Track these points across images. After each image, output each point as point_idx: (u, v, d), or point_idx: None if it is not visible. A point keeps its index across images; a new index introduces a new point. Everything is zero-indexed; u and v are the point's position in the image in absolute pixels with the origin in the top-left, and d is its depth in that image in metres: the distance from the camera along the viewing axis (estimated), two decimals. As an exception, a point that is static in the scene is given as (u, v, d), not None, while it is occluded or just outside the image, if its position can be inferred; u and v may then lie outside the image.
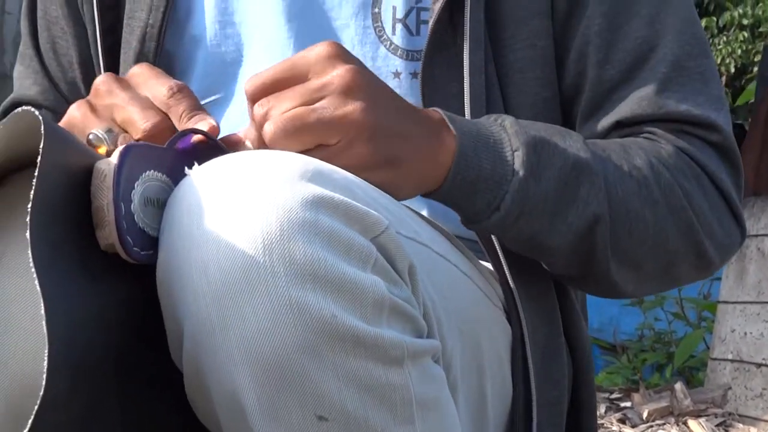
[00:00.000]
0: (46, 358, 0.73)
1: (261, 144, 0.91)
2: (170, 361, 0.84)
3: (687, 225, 1.09)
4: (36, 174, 0.75)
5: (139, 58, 1.16)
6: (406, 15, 1.12)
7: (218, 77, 1.16)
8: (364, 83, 0.91)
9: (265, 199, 0.79)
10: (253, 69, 1.05)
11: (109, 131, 0.96)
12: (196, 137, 0.91)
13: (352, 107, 0.90)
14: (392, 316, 0.82)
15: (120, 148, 0.82)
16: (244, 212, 0.79)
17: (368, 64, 1.06)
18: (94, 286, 0.81)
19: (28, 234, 0.73)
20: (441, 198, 1.00)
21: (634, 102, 1.12)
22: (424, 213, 1.10)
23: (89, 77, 1.22)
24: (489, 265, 1.11)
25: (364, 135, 0.91)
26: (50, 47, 1.29)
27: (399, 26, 1.12)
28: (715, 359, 3.65)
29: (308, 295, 0.77)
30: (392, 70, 1.12)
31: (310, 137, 0.89)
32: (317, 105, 0.89)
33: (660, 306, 4.73)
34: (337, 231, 0.79)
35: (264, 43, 1.15)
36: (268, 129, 0.89)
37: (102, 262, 0.82)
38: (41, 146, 0.76)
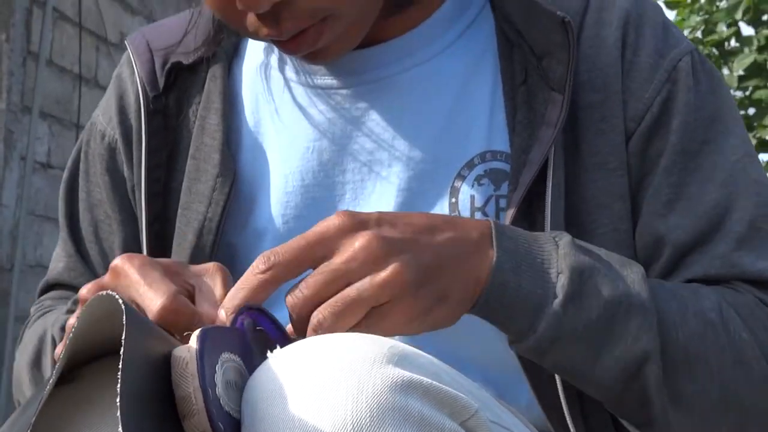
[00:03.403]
0: None
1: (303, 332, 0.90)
2: None
3: (763, 378, 1.04)
4: (121, 366, 0.73)
5: (195, 251, 1.15)
6: (485, 203, 1.11)
7: None
8: (388, 245, 0.90)
9: (353, 383, 0.76)
10: None
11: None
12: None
13: (388, 271, 0.88)
14: None
15: (197, 332, 0.81)
16: (331, 396, 0.76)
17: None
18: None
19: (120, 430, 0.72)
20: (480, 314, 0.97)
21: (707, 262, 1.09)
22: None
23: None
24: None
25: (408, 288, 0.89)
26: (92, 231, 1.27)
27: (478, 215, 1.11)
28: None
29: None
30: None
31: (360, 310, 0.88)
32: (355, 281, 0.88)
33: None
34: (427, 416, 0.77)
35: None
36: (318, 320, 0.88)
37: None
38: (124, 336, 0.74)
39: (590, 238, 1.08)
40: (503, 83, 1.12)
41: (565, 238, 0.99)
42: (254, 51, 1.22)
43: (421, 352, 0.83)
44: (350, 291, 0.87)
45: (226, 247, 1.16)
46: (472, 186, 1.11)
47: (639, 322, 0.98)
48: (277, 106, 1.18)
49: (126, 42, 1.25)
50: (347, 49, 1.11)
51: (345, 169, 1.14)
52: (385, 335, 0.84)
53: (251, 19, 1.04)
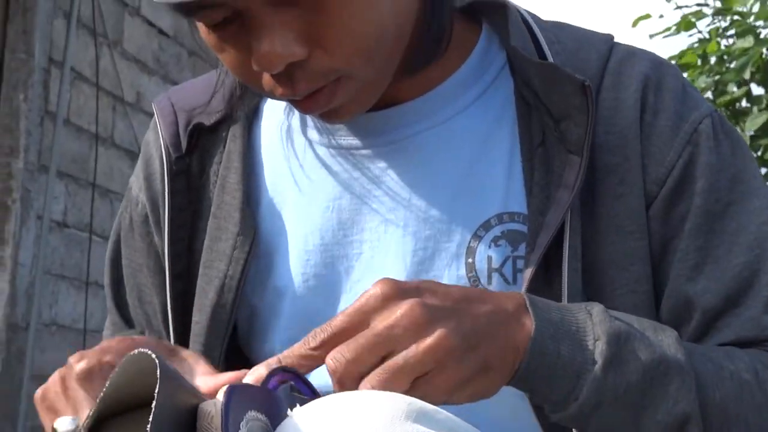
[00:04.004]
0: None
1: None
2: None
3: None
4: (151, 419, 0.76)
5: (216, 309, 1.16)
6: (502, 264, 1.11)
7: (301, 330, 1.13)
8: (430, 313, 0.90)
9: None
10: None
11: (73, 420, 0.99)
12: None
13: (432, 338, 0.89)
14: None
15: (225, 387, 0.82)
16: None
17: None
18: None
19: None
20: (520, 384, 0.97)
21: (738, 326, 1.09)
22: None
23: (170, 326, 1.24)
24: None
25: (452, 355, 0.90)
26: (136, 295, 1.29)
27: (495, 275, 1.11)
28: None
29: None
30: None
31: (406, 379, 0.88)
32: (397, 348, 0.89)
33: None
34: None
35: (353, 294, 1.14)
36: (365, 389, 0.88)
37: None
38: (157, 390, 0.77)
39: (607, 300, 1.08)
40: (521, 145, 1.13)
41: (597, 307, 0.99)
42: (274, 111, 1.23)
43: (439, 409, 0.84)
44: (397, 359, 0.88)
45: (246, 305, 1.18)
46: (489, 246, 1.12)
47: (678, 384, 0.99)
48: (297, 165, 1.19)
49: (153, 104, 1.27)
50: (362, 109, 1.12)
51: (363, 228, 1.15)
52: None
53: (267, 78, 1.05)
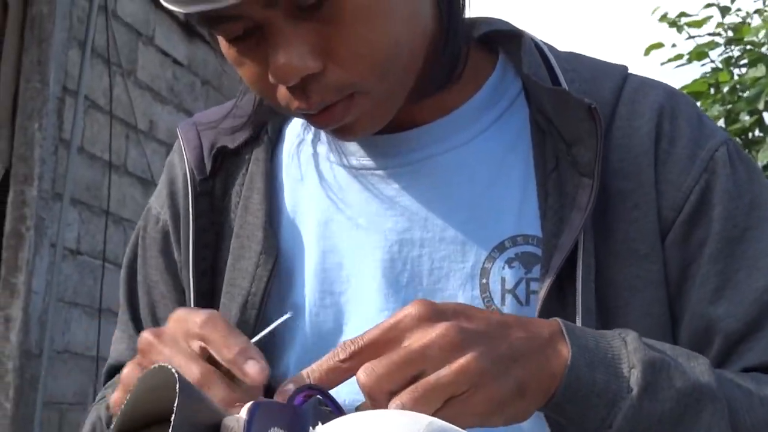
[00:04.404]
0: None
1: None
2: None
3: None
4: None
5: (239, 325, 1.17)
6: (516, 285, 1.12)
7: (315, 347, 1.17)
8: (465, 336, 0.91)
9: None
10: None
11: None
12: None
13: (466, 359, 0.90)
14: None
15: (248, 404, 0.83)
16: None
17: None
18: None
19: None
20: (554, 411, 0.98)
21: (760, 350, 1.10)
22: None
23: None
24: None
25: (486, 378, 0.90)
26: (149, 311, 1.30)
27: (508, 297, 1.12)
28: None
29: None
30: None
31: (439, 397, 0.89)
32: (430, 368, 0.89)
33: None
34: None
35: (366, 314, 1.16)
36: (396, 405, 0.88)
37: None
38: (176, 404, 0.77)
39: (622, 323, 1.09)
40: (535, 169, 1.14)
41: (631, 335, 1.00)
42: (294, 135, 1.26)
43: (459, 429, 0.84)
44: (429, 378, 0.88)
45: (268, 321, 1.18)
46: (503, 268, 1.13)
47: (711, 411, 0.99)
48: (315, 186, 1.21)
49: (178, 129, 1.29)
50: (376, 127, 1.13)
51: (377, 247, 1.16)
52: (464, 428, 0.85)
53: (282, 92, 1.07)
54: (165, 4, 1.05)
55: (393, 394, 0.88)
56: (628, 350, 0.98)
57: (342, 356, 0.91)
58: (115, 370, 1.34)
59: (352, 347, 0.91)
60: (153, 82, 5.46)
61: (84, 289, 4.83)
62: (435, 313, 0.92)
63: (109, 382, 1.34)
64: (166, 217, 1.29)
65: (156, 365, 0.81)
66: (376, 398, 0.89)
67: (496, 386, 0.90)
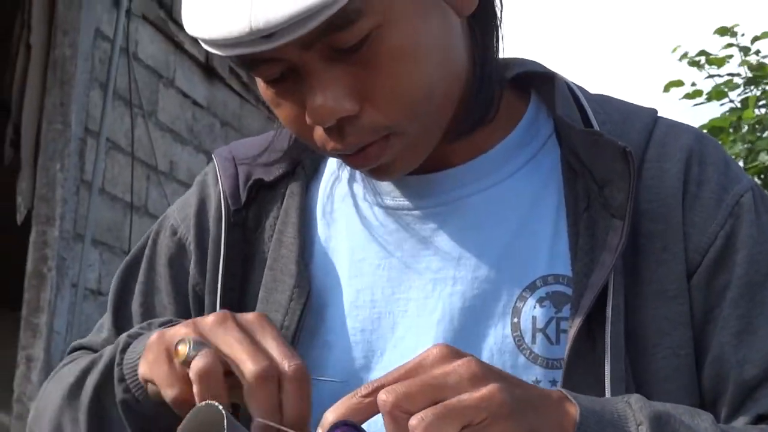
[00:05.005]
0: None
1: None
2: None
3: None
4: None
5: None
6: (546, 325, 1.13)
7: (344, 385, 1.16)
8: (486, 369, 0.93)
9: None
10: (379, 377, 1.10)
11: (200, 343, 0.98)
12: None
13: (487, 388, 0.91)
14: None
15: None
16: None
17: (507, 372, 1.08)
18: None
19: None
20: None
21: None
22: None
23: None
24: None
25: (505, 410, 0.91)
26: (141, 313, 1.30)
27: (539, 336, 1.13)
28: None
29: None
30: (531, 378, 1.12)
31: (459, 421, 0.89)
32: (450, 395, 0.90)
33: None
34: None
35: (395, 352, 1.17)
36: (418, 420, 0.89)
37: None
38: None
39: (650, 362, 1.10)
40: (567, 210, 1.16)
41: (634, 396, 1.01)
42: (329, 172, 1.27)
43: None
44: (451, 400, 0.89)
45: (302, 355, 1.19)
46: (534, 307, 1.14)
47: None
48: (350, 224, 1.23)
49: (213, 154, 1.31)
50: (411, 167, 1.15)
51: (411, 286, 1.17)
52: None
53: (319, 132, 1.09)
54: (205, 47, 1.07)
55: (412, 414, 0.89)
56: (633, 409, 0.99)
57: (364, 392, 0.92)
58: (81, 349, 1.33)
59: (375, 384, 0.92)
60: (173, 123, 5.50)
61: (105, 329, 4.84)
62: (456, 353, 0.93)
63: (78, 352, 1.33)
64: (187, 233, 1.29)
65: (204, 403, 0.83)
66: (396, 417, 0.89)
67: (512, 423, 0.91)
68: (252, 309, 1.21)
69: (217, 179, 1.27)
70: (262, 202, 1.26)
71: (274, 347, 0.99)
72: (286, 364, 0.98)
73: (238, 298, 1.24)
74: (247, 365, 0.97)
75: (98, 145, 4.73)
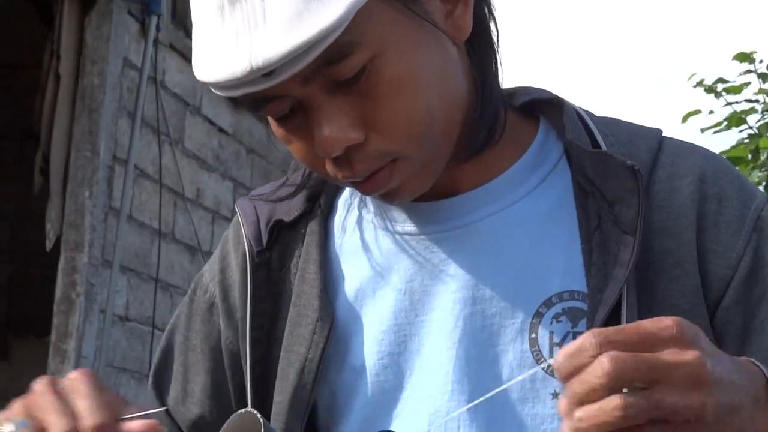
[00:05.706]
0: None
1: None
2: None
3: None
4: None
5: (297, 389, 1.22)
6: (563, 339, 1.17)
7: (376, 407, 1.22)
8: (714, 377, 0.90)
9: None
10: (412, 394, 1.17)
11: (25, 420, 1.01)
12: None
13: (701, 402, 0.88)
14: None
15: None
16: None
17: (527, 386, 1.13)
18: None
19: None
20: None
21: None
22: None
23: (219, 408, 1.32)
24: None
25: (701, 428, 0.89)
26: (182, 371, 1.35)
27: (556, 350, 1.16)
28: None
29: None
30: (550, 391, 1.16)
31: (661, 417, 0.88)
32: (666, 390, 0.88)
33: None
34: None
35: (424, 370, 1.20)
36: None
37: None
38: None
39: None
40: (580, 229, 1.19)
41: None
42: (344, 206, 1.31)
43: None
44: (666, 397, 0.87)
45: (326, 384, 1.23)
46: (551, 323, 1.17)
47: None
48: (370, 252, 1.26)
49: (236, 205, 1.35)
50: (421, 189, 1.19)
51: (433, 307, 1.21)
52: None
53: (329, 164, 1.13)
54: (214, 91, 1.12)
55: (622, 387, 0.86)
56: None
57: (592, 351, 0.88)
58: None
59: (602, 337, 0.88)
60: (200, 150, 5.55)
61: (133, 354, 4.89)
62: (692, 338, 0.90)
63: None
64: (214, 290, 1.34)
65: (242, 410, 0.86)
66: (614, 387, 0.86)
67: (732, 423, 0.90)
68: (278, 347, 1.25)
69: (239, 229, 1.32)
70: (284, 242, 1.30)
71: (83, 406, 1.01)
72: (88, 421, 1.00)
73: (267, 337, 1.27)
74: (52, 429, 1.00)
75: (126, 173, 4.78)
